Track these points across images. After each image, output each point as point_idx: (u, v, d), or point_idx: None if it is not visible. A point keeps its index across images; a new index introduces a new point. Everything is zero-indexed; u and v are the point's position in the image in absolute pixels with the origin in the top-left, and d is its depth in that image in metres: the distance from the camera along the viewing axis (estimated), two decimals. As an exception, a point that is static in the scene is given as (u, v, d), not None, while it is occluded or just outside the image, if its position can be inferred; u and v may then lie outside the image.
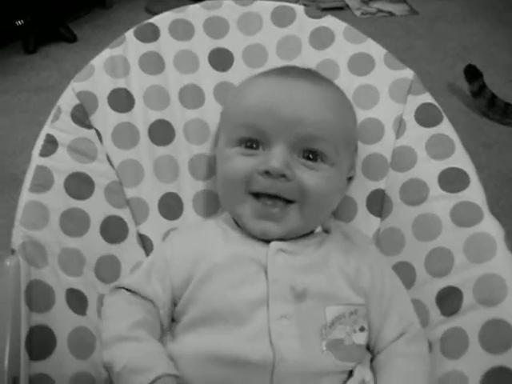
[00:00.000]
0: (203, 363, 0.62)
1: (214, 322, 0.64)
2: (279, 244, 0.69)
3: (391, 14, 2.34)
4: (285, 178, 0.67)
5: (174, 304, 0.69)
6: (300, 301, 0.65)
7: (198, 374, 0.62)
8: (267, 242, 0.69)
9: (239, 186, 0.70)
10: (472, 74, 1.71)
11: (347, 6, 2.41)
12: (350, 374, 0.65)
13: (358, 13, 2.34)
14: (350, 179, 0.78)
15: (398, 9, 2.38)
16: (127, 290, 0.69)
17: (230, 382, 0.61)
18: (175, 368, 0.62)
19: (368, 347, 0.69)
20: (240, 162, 0.70)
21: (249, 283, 0.66)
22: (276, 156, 0.67)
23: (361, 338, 0.66)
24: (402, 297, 0.71)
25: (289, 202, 0.69)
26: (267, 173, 0.67)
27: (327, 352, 0.63)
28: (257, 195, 0.69)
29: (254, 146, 0.70)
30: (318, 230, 0.74)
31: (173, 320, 0.70)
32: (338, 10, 2.34)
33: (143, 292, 0.68)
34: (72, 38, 2.06)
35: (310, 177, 0.68)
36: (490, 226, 0.72)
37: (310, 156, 0.69)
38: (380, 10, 2.37)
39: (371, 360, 0.69)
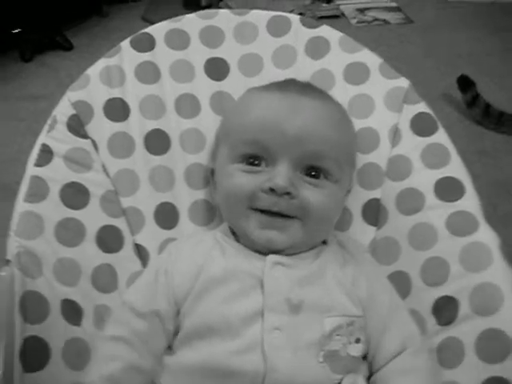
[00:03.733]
0: (197, 375, 0.62)
1: (209, 335, 0.64)
2: (276, 257, 0.68)
3: (387, 22, 2.36)
4: (289, 196, 0.67)
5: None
6: (295, 313, 0.64)
7: None
8: (264, 255, 0.69)
9: (242, 203, 0.69)
10: (465, 83, 1.72)
11: (343, 14, 2.42)
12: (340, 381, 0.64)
13: (353, 21, 2.36)
14: (347, 192, 0.78)
15: (394, 17, 2.39)
16: (132, 308, 0.68)
17: None
18: None
19: (365, 357, 0.68)
20: (243, 180, 0.69)
21: (244, 297, 0.65)
22: (281, 174, 0.67)
23: (356, 350, 0.65)
24: (400, 309, 0.71)
25: (291, 217, 0.69)
26: (272, 190, 0.67)
27: (324, 364, 0.62)
28: (259, 210, 0.69)
29: (257, 162, 0.70)
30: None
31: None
32: (334, 18, 2.35)
33: (149, 308, 0.67)
34: (68, 47, 2.06)
35: (313, 194, 0.68)
36: (485, 235, 0.72)
37: (314, 173, 0.69)
38: (376, 19, 2.38)
39: (369, 376, 0.67)
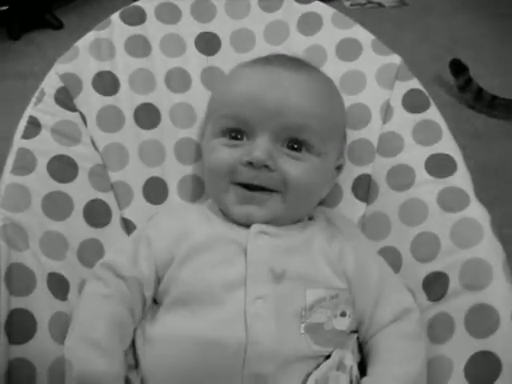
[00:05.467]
0: (179, 345, 0.62)
1: (191, 302, 0.64)
2: (260, 226, 0.68)
3: (380, 5, 2.34)
4: (267, 169, 0.67)
5: (159, 283, 0.68)
6: (278, 282, 0.64)
7: (174, 356, 0.62)
8: (249, 226, 0.69)
9: (223, 177, 0.70)
10: (457, 68, 1.72)
11: (337, -4, 2.40)
12: (328, 358, 0.63)
13: (347, 3, 2.34)
14: (339, 168, 0.77)
15: (388, 0, 2.38)
16: (112, 269, 0.67)
17: (204, 364, 0.61)
18: None
19: (356, 331, 0.68)
20: (224, 153, 0.70)
21: (228, 264, 0.65)
22: (259, 146, 0.67)
23: (342, 324, 0.65)
24: (393, 281, 0.71)
25: (272, 191, 0.69)
26: (250, 164, 0.67)
27: (305, 335, 0.62)
28: (240, 184, 0.69)
29: (239, 136, 0.70)
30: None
31: (155, 302, 0.69)
32: (328, 1, 2.33)
33: (129, 272, 0.66)
34: (58, 25, 2.02)
35: (293, 167, 0.68)
36: (476, 211, 0.72)
37: (295, 146, 0.69)
38: (369, 1, 2.36)
39: (361, 345, 0.68)
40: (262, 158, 0.66)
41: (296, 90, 0.70)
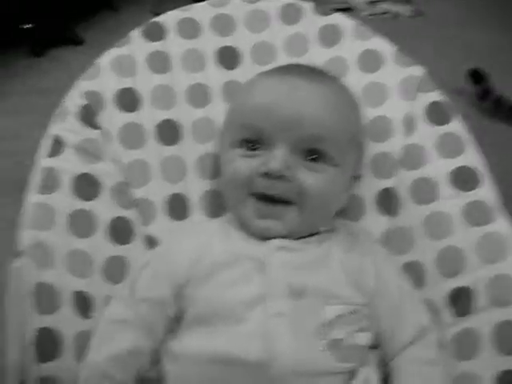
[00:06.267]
0: (202, 363, 0.62)
1: (212, 321, 0.64)
2: (279, 241, 0.68)
3: (398, 14, 2.34)
4: (285, 179, 0.67)
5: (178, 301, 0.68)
6: (298, 298, 0.64)
7: (198, 374, 0.62)
8: (268, 240, 0.68)
9: (241, 188, 0.70)
10: (476, 77, 1.71)
11: (354, 7, 2.40)
12: (353, 374, 0.63)
13: (364, 14, 2.34)
14: (356, 178, 0.77)
15: (405, 10, 2.37)
16: (134, 291, 0.68)
17: (227, 382, 0.61)
18: None
19: (375, 347, 0.67)
20: (241, 164, 0.70)
21: (247, 281, 0.65)
22: (276, 157, 0.67)
23: (362, 339, 0.65)
24: (412, 298, 0.70)
25: (288, 203, 0.68)
26: (267, 174, 0.67)
27: (326, 352, 0.62)
28: (258, 196, 0.69)
29: (256, 146, 0.70)
30: (323, 229, 0.73)
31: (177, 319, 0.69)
32: (345, 11, 2.34)
33: (151, 292, 0.67)
34: (79, 41, 2.06)
35: (310, 178, 0.68)
36: (502, 225, 0.71)
37: (312, 157, 0.69)
38: (387, 11, 2.36)
39: (384, 363, 0.67)
40: (279, 169, 0.66)
41: (312, 100, 0.70)
